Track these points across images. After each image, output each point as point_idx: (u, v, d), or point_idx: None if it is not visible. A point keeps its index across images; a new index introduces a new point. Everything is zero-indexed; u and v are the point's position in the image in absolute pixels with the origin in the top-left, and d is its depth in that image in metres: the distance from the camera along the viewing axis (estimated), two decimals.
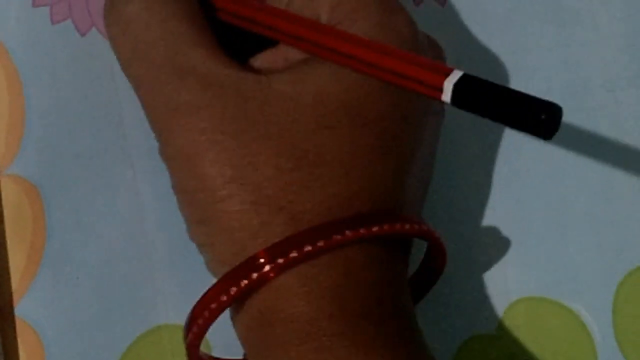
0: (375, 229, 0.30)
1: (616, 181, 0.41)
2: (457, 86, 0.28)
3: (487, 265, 0.40)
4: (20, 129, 0.38)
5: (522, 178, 0.41)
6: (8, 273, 0.37)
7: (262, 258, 0.29)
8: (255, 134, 0.30)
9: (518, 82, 0.42)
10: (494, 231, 0.40)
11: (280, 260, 0.29)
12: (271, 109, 0.30)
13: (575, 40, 0.42)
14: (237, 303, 0.31)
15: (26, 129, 0.38)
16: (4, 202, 0.38)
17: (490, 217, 0.40)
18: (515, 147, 0.41)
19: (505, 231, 0.40)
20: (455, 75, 0.28)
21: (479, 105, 0.28)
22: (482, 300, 0.40)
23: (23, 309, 0.37)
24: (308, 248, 0.29)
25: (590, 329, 0.40)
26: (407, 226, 0.31)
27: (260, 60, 0.33)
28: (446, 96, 0.28)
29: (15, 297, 0.37)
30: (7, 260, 0.37)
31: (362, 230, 0.30)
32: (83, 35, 0.39)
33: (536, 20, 0.42)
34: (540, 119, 0.26)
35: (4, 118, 0.38)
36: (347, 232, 0.30)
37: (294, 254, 0.29)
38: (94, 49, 0.39)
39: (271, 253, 0.29)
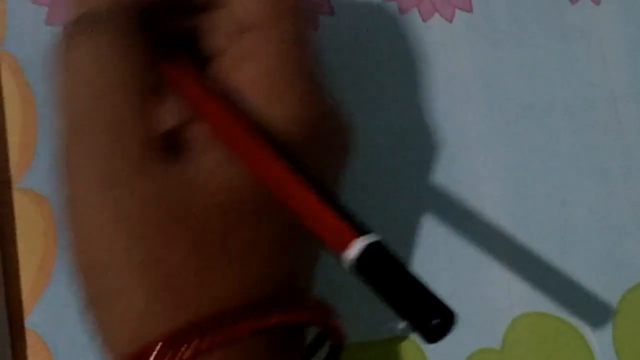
0: (272, 319, 0.28)
1: (618, 198, 0.42)
2: (361, 257, 0.25)
3: (492, 281, 0.40)
4: (32, 144, 0.38)
5: (525, 195, 0.41)
6: (19, 285, 0.37)
7: (150, 352, 0.27)
8: (164, 223, 0.28)
9: (524, 97, 0.42)
10: (498, 248, 0.40)
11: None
12: (179, 198, 0.29)
13: (580, 57, 0.43)
14: None
15: (38, 144, 0.38)
16: (16, 215, 0.38)
17: (495, 234, 0.41)
18: (518, 164, 0.41)
19: (509, 248, 0.40)
20: (361, 243, 0.25)
21: (377, 283, 0.24)
22: (487, 315, 0.40)
23: (33, 320, 0.37)
24: (196, 342, 0.27)
25: (591, 343, 0.40)
26: (305, 314, 0.29)
27: (190, 131, 0.31)
28: (347, 264, 0.25)
29: (25, 308, 0.37)
30: (19, 272, 0.37)
31: (260, 320, 0.28)
32: None
33: (542, 37, 0.43)
34: (429, 323, 0.23)
35: (16, 132, 0.38)
36: (243, 323, 0.28)
37: (182, 350, 0.27)
38: None
39: (161, 349, 0.27)
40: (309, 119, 0.31)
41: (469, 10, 0.42)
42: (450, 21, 0.42)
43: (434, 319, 0.23)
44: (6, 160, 0.38)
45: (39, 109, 0.39)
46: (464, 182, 0.41)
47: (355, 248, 0.25)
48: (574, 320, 0.40)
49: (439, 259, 0.40)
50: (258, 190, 0.29)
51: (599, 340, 0.40)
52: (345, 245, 0.25)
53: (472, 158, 0.41)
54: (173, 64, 0.32)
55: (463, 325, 0.39)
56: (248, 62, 0.31)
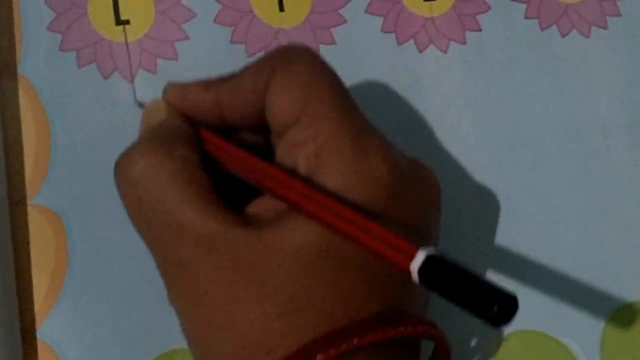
0: (380, 333, 0.31)
1: (608, 223, 0.43)
2: (422, 268, 0.28)
3: None
4: (45, 163, 0.39)
5: (517, 218, 0.42)
6: (31, 297, 0.38)
7: None
8: (243, 282, 0.31)
9: (516, 129, 0.43)
10: (492, 268, 0.41)
11: None
12: (258, 260, 0.31)
13: (571, 89, 0.44)
14: None
15: (51, 162, 0.39)
16: (29, 230, 0.39)
17: (488, 256, 0.42)
18: (510, 191, 0.42)
19: (502, 269, 0.41)
20: (420, 257, 0.28)
21: (442, 288, 0.27)
22: (480, 332, 0.41)
23: (44, 331, 0.38)
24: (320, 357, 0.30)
25: None
26: (402, 329, 0.31)
27: (255, 206, 0.34)
28: (414, 275, 0.28)
29: (37, 319, 0.38)
30: (32, 285, 0.38)
31: (369, 336, 0.30)
32: (106, 78, 0.40)
33: (534, 69, 0.44)
34: (492, 310, 0.26)
35: (30, 152, 0.39)
36: (355, 340, 0.30)
37: None
38: (116, 91, 0.40)
39: None
40: (395, 168, 0.33)
41: (463, 42, 0.44)
42: (445, 52, 0.44)
43: (494, 306, 0.26)
44: (22, 178, 0.39)
45: (53, 130, 0.40)
46: (456, 207, 0.42)
47: (419, 259, 0.28)
48: (563, 339, 0.41)
49: None
50: (334, 242, 0.31)
51: (588, 358, 0.41)
52: (410, 259, 0.28)
53: (466, 183, 0.42)
54: (238, 150, 0.34)
55: (457, 342, 0.40)
56: (306, 144, 0.33)
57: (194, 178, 0.33)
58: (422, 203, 0.34)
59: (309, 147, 0.33)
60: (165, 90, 0.37)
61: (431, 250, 0.28)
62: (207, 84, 0.36)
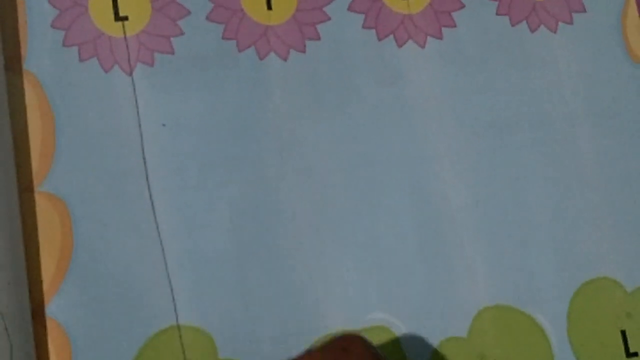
0: None
1: (574, 203, 0.45)
2: None
3: (460, 277, 0.43)
4: (51, 152, 0.41)
5: (491, 201, 0.44)
6: (40, 278, 0.39)
7: None
8: None
9: (489, 116, 0.45)
10: (466, 248, 0.43)
11: None
12: None
13: (539, 80, 0.46)
14: None
15: (56, 152, 0.41)
16: (37, 216, 0.40)
17: (462, 236, 0.43)
18: (484, 174, 0.44)
19: (476, 248, 0.43)
20: None
21: None
22: (455, 307, 0.42)
23: (53, 309, 0.39)
24: None
25: (548, 334, 0.43)
26: None
27: None
28: None
29: (46, 298, 0.39)
30: (40, 266, 0.39)
31: None
32: (107, 72, 0.42)
33: (505, 62, 0.46)
34: None
35: (37, 142, 0.41)
36: None
37: None
38: (116, 84, 0.42)
39: None
40: None
41: (440, 37, 0.46)
42: (423, 47, 0.45)
43: None
44: (29, 166, 0.40)
45: (57, 121, 0.41)
46: (435, 190, 0.44)
47: None
48: (533, 313, 0.43)
49: (414, 257, 0.43)
50: None
51: (555, 330, 0.43)
52: None
53: (443, 168, 0.44)
54: None
55: (434, 316, 0.42)
56: None
57: None
58: None
59: None
60: None
61: None
62: None
